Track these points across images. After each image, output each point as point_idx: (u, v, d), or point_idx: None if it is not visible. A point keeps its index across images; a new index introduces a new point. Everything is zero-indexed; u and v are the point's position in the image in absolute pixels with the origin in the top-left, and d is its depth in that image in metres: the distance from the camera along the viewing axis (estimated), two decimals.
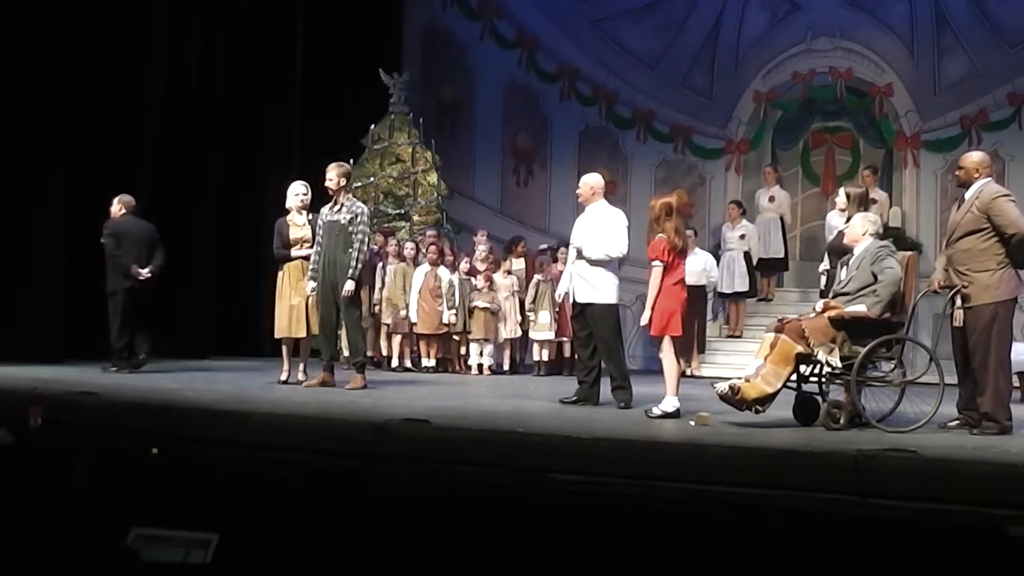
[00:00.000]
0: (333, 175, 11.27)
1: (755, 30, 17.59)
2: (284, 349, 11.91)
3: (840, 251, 9.91)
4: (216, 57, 16.31)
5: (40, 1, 13.80)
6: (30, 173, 13.57)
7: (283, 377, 11.79)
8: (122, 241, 12.77)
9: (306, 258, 11.59)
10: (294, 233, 11.75)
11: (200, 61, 16.14)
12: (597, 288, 10.55)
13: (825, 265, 10.60)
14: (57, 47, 13.94)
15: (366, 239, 11.32)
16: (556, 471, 7.11)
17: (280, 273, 11.81)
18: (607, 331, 10.58)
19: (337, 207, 11.25)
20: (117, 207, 12.96)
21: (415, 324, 14.71)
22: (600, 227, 10.64)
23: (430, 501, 6.25)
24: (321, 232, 11.31)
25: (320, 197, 11.64)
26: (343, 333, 11.90)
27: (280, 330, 11.81)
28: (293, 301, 11.65)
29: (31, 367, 12.15)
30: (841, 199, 10.26)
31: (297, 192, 11.89)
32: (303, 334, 11.72)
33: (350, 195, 11.53)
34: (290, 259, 11.73)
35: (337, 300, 11.17)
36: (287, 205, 11.91)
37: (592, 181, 10.87)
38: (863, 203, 10.15)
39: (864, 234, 9.24)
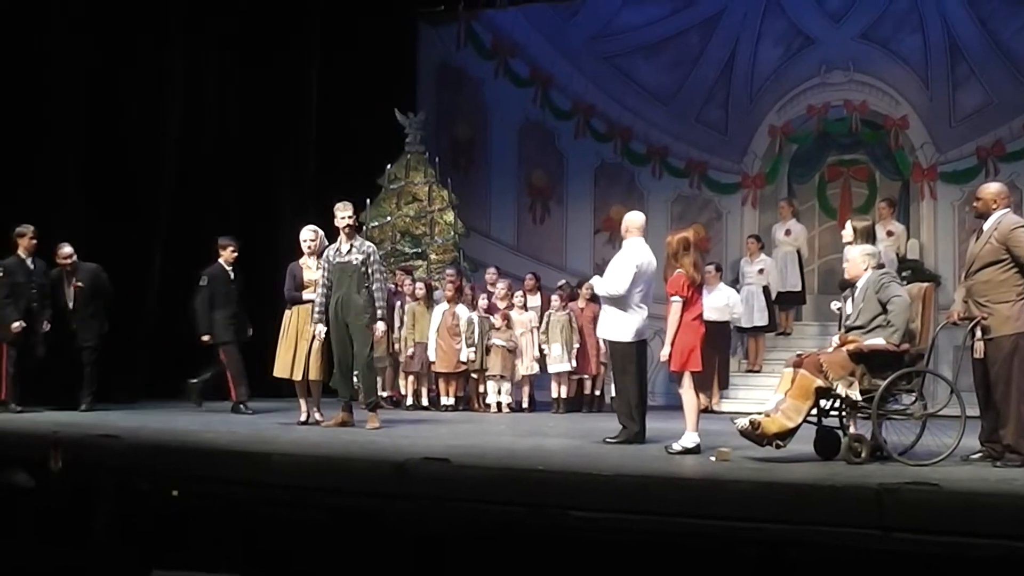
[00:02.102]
0: (350, 213, 11.31)
1: (769, 64, 17.63)
2: (299, 390, 11.91)
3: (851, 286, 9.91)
4: (231, 96, 16.42)
5: (59, 42, 13.91)
6: (47, 216, 13.64)
7: (302, 418, 11.79)
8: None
9: (302, 300, 11.67)
10: (307, 276, 11.78)
11: (216, 100, 16.26)
12: (608, 325, 10.70)
13: (839, 303, 10.53)
14: (74, 87, 14.07)
15: (383, 277, 11.34)
16: (576, 508, 7.09)
17: (288, 313, 11.84)
18: (615, 367, 10.79)
19: (347, 248, 11.25)
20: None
21: (433, 363, 14.70)
22: (613, 265, 10.73)
23: (451, 540, 6.24)
24: (328, 273, 11.30)
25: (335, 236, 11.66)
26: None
27: (279, 370, 11.84)
28: (299, 344, 11.68)
29: (52, 411, 12.19)
30: (848, 233, 10.21)
31: (304, 238, 11.94)
32: (299, 378, 11.75)
33: (358, 235, 11.55)
34: (301, 301, 11.75)
35: (352, 339, 11.18)
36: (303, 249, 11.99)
37: (627, 219, 10.91)
38: (869, 236, 10.06)
39: (865, 268, 9.24)
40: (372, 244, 11.63)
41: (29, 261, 12.84)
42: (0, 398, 12.54)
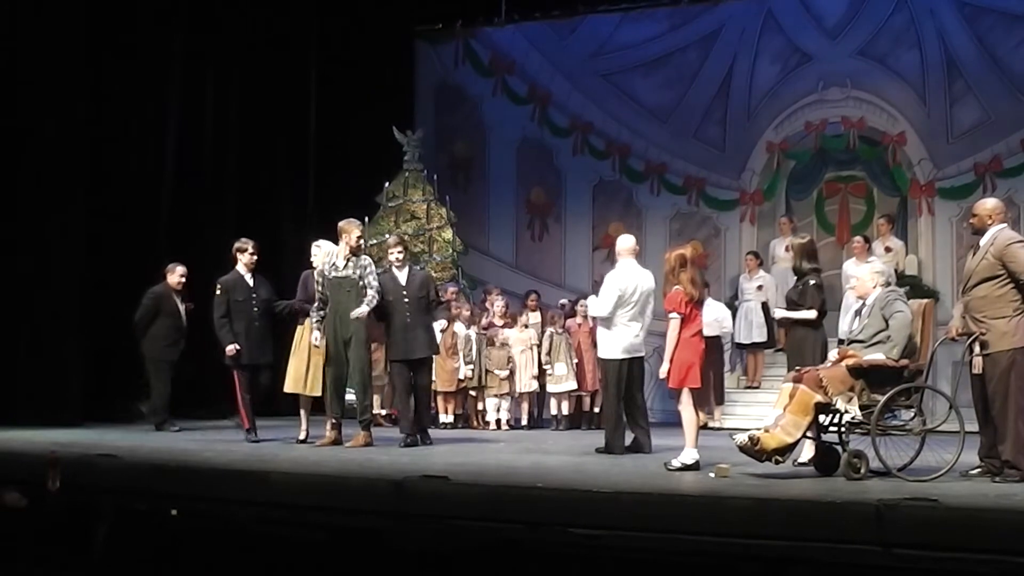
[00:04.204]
0: (360, 233, 11.35)
1: (767, 81, 17.66)
2: (302, 407, 11.87)
3: (790, 302, 10.10)
4: (230, 114, 16.46)
5: (59, 60, 13.90)
6: (47, 236, 13.64)
7: (301, 436, 11.73)
8: None
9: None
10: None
11: (214, 118, 16.28)
12: (600, 343, 11.44)
13: (783, 312, 10.48)
14: (74, 111, 14.05)
15: (378, 285, 11.30)
16: (576, 526, 7.08)
17: (299, 328, 11.78)
18: (601, 382, 11.58)
19: (343, 263, 11.26)
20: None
21: (433, 381, 14.62)
22: (602, 286, 11.26)
23: (451, 558, 6.23)
24: (324, 288, 11.29)
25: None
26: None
27: (293, 385, 11.79)
28: (312, 358, 11.64)
29: (49, 430, 12.16)
30: (782, 251, 10.39)
31: (316, 254, 11.84)
32: (318, 392, 11.72)
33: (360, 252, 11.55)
34: (306, 313, 11.70)
35: (348, 357, 11.17)
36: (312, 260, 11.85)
37: (617, 242, 11.46)
38: (808, 255, 10.17)
39: (874, 286, 9.30)
40: (368, 257, 11.59)
41: (249, 278, 12.17)
42: (244, 426, 11.94)
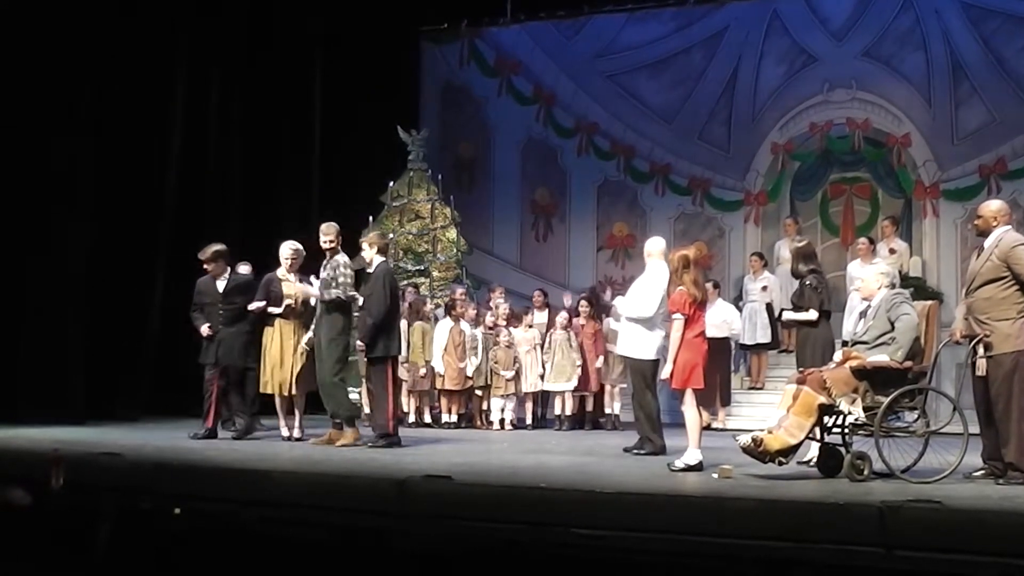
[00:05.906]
0: (333, 235, 11.38)
1: (772, 82, 17.66)
2: (278, 405, 11.92)
3: (793, 304, 10.37)
4: (233, 113, 16.44)
5: (59, 60, 13.89)
6: (48, 235, 13.65)
7: (284, 433, 11.81)
8: None
9: (281, 315, 11.70)
10: (287, 289, 11.76)
11: (218, 117, 16.27)
12: (632, 343, 11.19)
13: (788, 314, 10.70)
14: (74, 111, 14.05)
15: (348, 282, 11.28)
16: (579, 526, 7.08)
17: (270, 329, 11.80)
18: (637, 383, 11.27)
19: (324, 266, 11.38)
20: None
21: (442, 378, 14.58)
22: (636, 287, 11.26)
23: (453, 558, 6.22)
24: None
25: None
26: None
27: (262, 385, 11.87)
28: (281, 357, 11.72)
29: (52, 428, 12.15)
30: (787, 252, 10.46)
31: (284, 256, 11.91)
32: (274, 391, 11.77)
33: (338, 254, 11.47)
34: (256, 312, 11.75)
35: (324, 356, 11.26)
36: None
37: (648, 244, 11.45)
38: (805, 258, 10.30)
39: (879, 287, 9.29)
40: (344, 256, 11.46)
41: (219, 282, 12.13)
42: (207, 425, 12.02)
